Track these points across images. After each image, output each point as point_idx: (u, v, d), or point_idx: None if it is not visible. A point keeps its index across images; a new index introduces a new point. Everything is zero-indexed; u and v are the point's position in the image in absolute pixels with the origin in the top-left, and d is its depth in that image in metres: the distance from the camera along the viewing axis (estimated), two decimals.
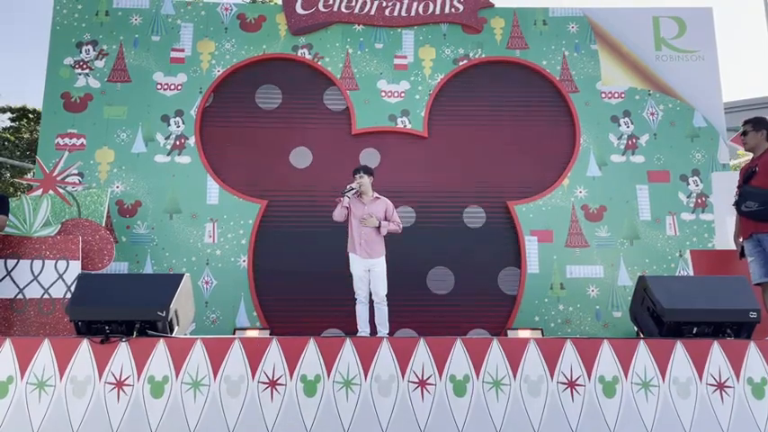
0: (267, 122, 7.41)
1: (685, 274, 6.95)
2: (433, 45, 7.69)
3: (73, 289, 5.37)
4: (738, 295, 4.11)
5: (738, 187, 4.83)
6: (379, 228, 5.76)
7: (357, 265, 5.76)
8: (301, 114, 7.45)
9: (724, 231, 6.50)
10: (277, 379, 3.75)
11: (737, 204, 4.77)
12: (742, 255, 4.93)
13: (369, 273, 5.74)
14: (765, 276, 4.61)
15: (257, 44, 7.58)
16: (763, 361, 3.83)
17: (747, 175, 4.80)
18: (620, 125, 7.52)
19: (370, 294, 5.77)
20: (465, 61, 7.64)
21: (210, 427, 3.63)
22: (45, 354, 3.76)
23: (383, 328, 5.65)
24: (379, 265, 5.77)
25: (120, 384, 3.70)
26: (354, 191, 5.83)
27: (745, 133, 4.90)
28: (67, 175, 6.54)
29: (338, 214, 5.80)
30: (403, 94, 7.51)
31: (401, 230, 5.97)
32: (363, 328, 5.66)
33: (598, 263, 7.12)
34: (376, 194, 5.96)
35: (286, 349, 3.82)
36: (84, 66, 7.36)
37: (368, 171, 5.96)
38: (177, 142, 7.23)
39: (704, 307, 4.07)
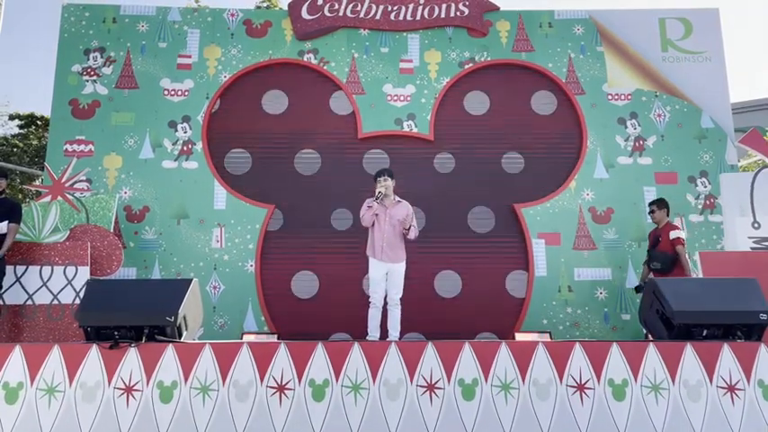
0: (274, 127, 7.43)
1: (695, 276, 6.91)
2: (438, 49, 7.69)
3: (82, 295, 5.40)
4: (748, 297, 4.09)
5: (648, 250, 6.47)
6: (408, 230, 5.64)
7: (376, 268, 5.67)
8: (308, 119, 7.47)
9: (733, 233, 6.45)
10: (285, 384, 3.75)
11: (647, 263, 6.44)
12: (638, 290, 6.52)
13: (387, 276, 5.68)
14: None
15: (263, 49, 7.61)
16: None
17: (654, 241, 6.39)
18: (626, 127, 7.50)
19: (384, 298, 5.72)
20: (471, 64, 7.64)
21: None
22: (55, 359, 3.78)
23: (394, 331, 5.60)
24: (399, 269, 5.69)
25: (129, 390, 3.72)
26: (383, 195, 5.67)
27: (653, 211, 6.52)
28: (76, 182, 6.58)
29: (368, 220, 5.66)
30: (409, 98, 7.52)
31: (417, 235, 5.86)
32: (373, 333, 5.61)
33: (606, 265, 7.10)
34: (397, 198, 5.86)
35: (294, 354, 3.82)
36: (92, 72, 7.41)
37: (391, 174, 5.82)
38: (184, 148, 7.26)
39: (714, 309, 4.05)
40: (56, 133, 7.24)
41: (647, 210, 6.66)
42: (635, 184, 7.32)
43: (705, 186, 7.32)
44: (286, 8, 7.85)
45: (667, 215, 6.48)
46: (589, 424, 3.71)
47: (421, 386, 3.77)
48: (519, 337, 6.27)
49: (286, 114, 7.49)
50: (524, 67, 7.70)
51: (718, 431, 3.69)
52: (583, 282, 7.05)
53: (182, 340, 4.02)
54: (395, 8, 7.72)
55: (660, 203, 6.51)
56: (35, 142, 16.99)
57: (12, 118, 17.56)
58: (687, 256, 6.18)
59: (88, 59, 7.45)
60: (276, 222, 7.17)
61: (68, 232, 6.04)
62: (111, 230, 6.26)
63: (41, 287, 5.64)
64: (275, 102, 7.52)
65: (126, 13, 7.63)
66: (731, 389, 3.78)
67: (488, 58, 7.68)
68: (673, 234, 6.19)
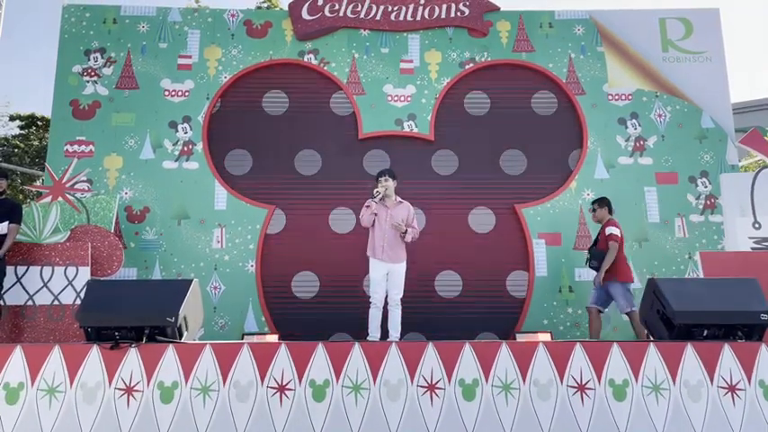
0: (274, 128, 7.42)
1: (695, 276, 6.91)
2: (438, 49, 7.69)
3: (82, 295, 5.40)
4: (749, 297, 4.09)
5: (589, 248, 6.47)
6: (405, 234, 5.68)
7: (377, 269, 5.68)
8: (308, 119, 7.47)
9: (733, 233, 6.46)
10: (286, 384, 3.75)
11: (588, 261, 6.37)
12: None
13: (387, 276, 5.68)
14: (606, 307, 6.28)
15: (264, 50, 7.61)
16: None
17: (594, 241, 6.44)
18: (627, 127, 7.50)
19: (385, 299, 5.72)
20: (471, 65, 7.64)
21: None
22: (55, 360, 3.78)
23: (395, 331, 5.60)
24: (400, 270, 5.70)
25: (129, 390, 3.72)
26: (381, 195, 5.71)
27: (594, 210, 6.48)
28: (76, 182, 6.58)
29: (367, 220, 5.69)
30: (409, 98, 7.52)
31: (417, 237, 5.88)
32: (374, 333, 5.61)
33: None
34: (399, 198, 5.88)
35: (295, 354, 3.82)
36: (93, 73, 7.41)
37: (392, 174, 5.85)
38: (185, 148, 7.26)
39: (715, 309, 4.05)
40: (56, 134, 7.24)
41: (591, 209, 6.53)
42: (636, 185, 7.31)
43: (706, 186, 7.31)
44: (286, 8, 7.85)
45: (609, 213, 6.40)
46: (590, 424, 3.70)
47: (421, 386, 3.77)
48: (519, 337, 6.28)
49: (286, 114, 7.49)
50: (525, 68, 7.69)
51: (719, 431, 3.69)
52: (583, 282, 7.04)
53: (182, 341, 4.02)
54: (395, 8, 7.72)
55: (601, 202, 6.45)
56: (36, 143, 17.01)
57: (12, 119, 17.57)
58: (615, 255, 6.03)
59: (89, 60, 7.45)
60: (277, 223, 7.17)
61: (69, 233, 6.04)
62: (112, 231, 6.27)
63: (42, 288, 5.65)
64: (275, 102, 7.52)
65: (126, 13, 7.63)
66: (732, 389, 3.78)
67: (489, 59, 7.68)
68: (607, 230, 6.18)
